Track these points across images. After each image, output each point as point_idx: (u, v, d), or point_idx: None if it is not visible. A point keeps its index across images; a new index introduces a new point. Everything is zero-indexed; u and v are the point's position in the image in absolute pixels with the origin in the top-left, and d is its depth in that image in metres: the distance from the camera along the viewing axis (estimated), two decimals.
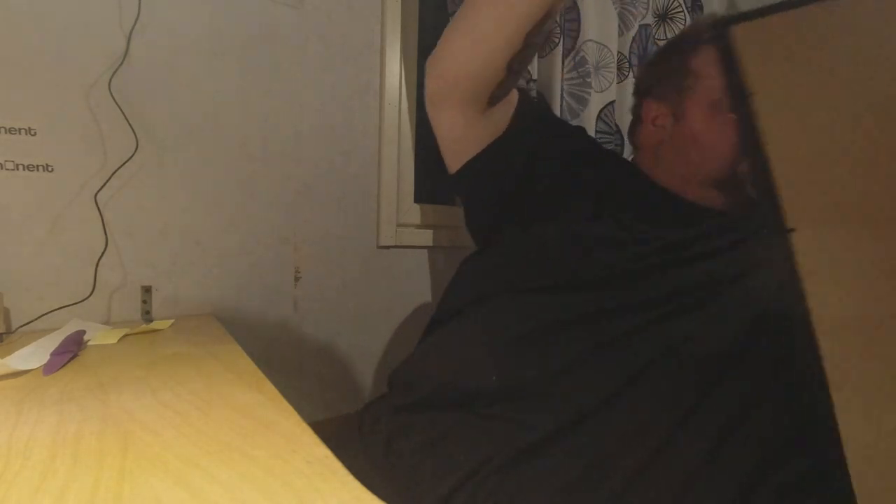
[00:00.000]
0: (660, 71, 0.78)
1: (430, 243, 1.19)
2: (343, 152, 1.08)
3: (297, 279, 1.03)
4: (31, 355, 0.62)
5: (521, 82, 1.06)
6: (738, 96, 0.37)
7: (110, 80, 0.82)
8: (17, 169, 0.77)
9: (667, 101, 0.76)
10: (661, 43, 1.40)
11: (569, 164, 0.74)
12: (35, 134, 0.78)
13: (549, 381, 0.55)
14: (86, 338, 0.72)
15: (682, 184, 0.73)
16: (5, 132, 0.76)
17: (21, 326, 0.77)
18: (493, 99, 0.71)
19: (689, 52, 0.74)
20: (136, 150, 0.85)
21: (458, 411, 0.58)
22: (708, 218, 0.69)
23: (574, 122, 1.22)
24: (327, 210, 1.06)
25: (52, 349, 0.64)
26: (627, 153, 1.27)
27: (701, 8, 1.45)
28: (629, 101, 1.32)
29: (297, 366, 1.04)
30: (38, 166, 0.79)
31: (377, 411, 0.70)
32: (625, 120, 1.32)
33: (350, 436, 0.66)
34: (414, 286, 1.19)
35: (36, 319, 0.78)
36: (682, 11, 1.39)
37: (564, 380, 0.55)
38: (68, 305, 0.81)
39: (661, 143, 0.76)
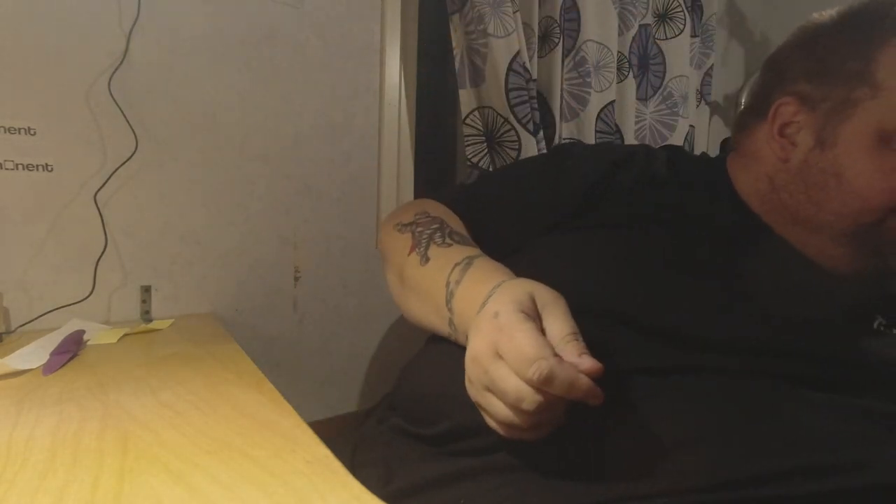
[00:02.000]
0: (820, 59, 0.53)
1: None
2: (343, 152, 1.08)
3: (296, 279, 1.03)
4: (31, 355, 0.62)
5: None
6: None
7: (110, 80, 0.82)
8: (17, 169, 0.77)
9: (816, 111, 0.52)
10: (661, 42, 1.40)
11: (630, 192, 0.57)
12: (34, 133, 0.78)
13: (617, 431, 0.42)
14: (85, 337, 0.72)
15: (801, 232, 0.53)
16: (5, 132, 0.76)
17: (21, 326, 0.77)
18: None
19: (878, 41, 0.49)
20: (135, 150, 0.85)
21: (477, 457, 0.45)
22: (831, 288, 0.51)
23: (574, 122, 1.22)
24: (327, 210, 1.06)
25: (51, 349, 0.64)
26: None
27: (700, 7, 1.45)
28: (629, 101, 1.32)
29: (297, 366, 1.04)
30: (37, 166, 0.79)
31: (371, 434, 0.59)
32: (625, 120, 1.32)
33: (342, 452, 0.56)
34: None
35: (35, 319, 0.78)
36: (682, 11, 1.39)
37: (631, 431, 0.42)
38: (68, 305, 0.80)
39: (786, 164, 0.54)
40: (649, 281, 0.50)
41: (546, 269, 0.52)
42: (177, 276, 0.91)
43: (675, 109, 1.39)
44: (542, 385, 0.33)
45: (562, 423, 0.38)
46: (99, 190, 0.83)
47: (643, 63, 1.37)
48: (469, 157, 1.11)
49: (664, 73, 1.39)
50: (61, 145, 0.80)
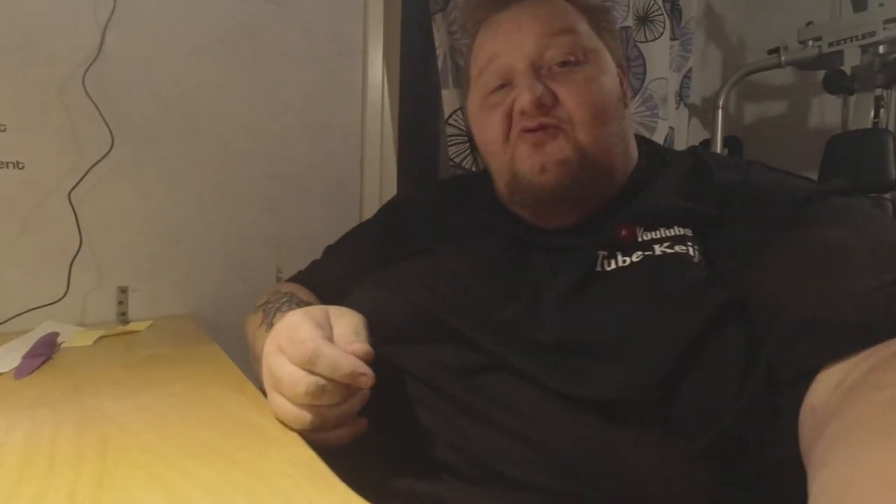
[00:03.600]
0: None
1: None
2: (326, 152, 1.07)
3: (279, 279, 1.02)
4: (2, 358, 0.60)
5: None
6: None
7: (84, 75, 0.80)
8: None
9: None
10: (642, 45, 1.42)
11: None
12: (5, 130, 0.76)
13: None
14: (59, 340, 0.70)
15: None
16: None
17: None
18: None
19: (473, 35, 0.61)
20: (111, 147, 0.83)
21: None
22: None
23: None
24: (310, 209, 1.05)
25: (23, 352, 0.62)
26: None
27: (679, 11, 1.47)
28: None
29: None
30: (8, 163, 0.76)
31: None
32: None
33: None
34: None
35: (7, 321, 0.75)
36: (662, 14, 1.41)
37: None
38: (41, 307, 0.78)
39: None
40: (439, 290, 0.52)
41: (360, 300, 0.56)
42: (155, 276, 0.89)
43: (655, 111, 1.41)
44: (308, 365, 0.37)
45: (361, 430, 0.41)
46: (73, 188, 0.80)
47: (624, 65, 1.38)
48: (452, 156, 1.11)
49: (644, 74, 1.41)
50: (33, 142, 0.78)
